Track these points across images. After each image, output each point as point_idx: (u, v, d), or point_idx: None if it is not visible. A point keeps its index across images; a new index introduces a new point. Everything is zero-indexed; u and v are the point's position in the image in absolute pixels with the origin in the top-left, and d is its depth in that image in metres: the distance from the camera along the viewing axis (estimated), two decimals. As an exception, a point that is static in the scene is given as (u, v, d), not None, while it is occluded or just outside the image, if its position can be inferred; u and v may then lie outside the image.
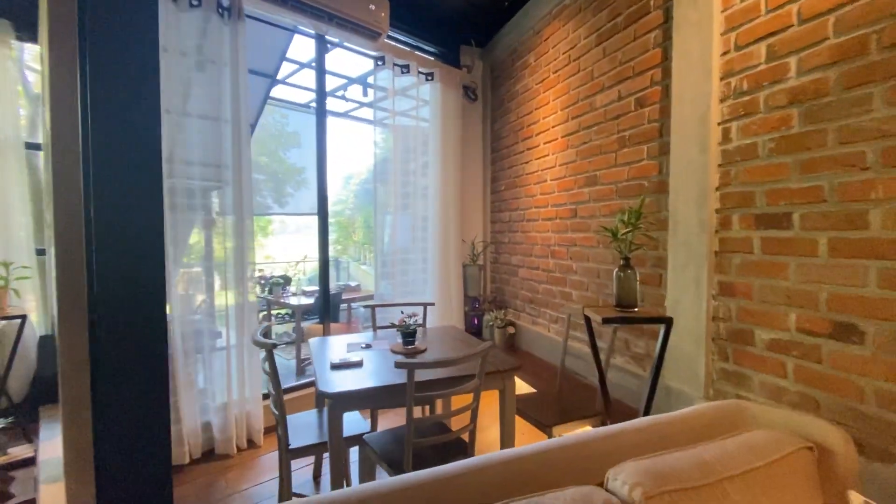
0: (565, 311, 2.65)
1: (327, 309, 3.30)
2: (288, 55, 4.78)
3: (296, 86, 5.31)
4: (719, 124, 1.96)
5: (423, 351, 2.20)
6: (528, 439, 2.62)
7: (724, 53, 1.92)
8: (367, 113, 5.31)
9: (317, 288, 5.54)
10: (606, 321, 1.62)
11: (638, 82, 2.41)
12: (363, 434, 1.93)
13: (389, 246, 3.67)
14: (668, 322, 1.67)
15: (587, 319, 1.83)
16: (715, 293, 1.99)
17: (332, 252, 3.43)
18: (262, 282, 5.53)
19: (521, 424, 2.09)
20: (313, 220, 3.35)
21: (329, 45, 3.28)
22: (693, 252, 2.05)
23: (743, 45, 1.84)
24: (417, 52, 3.70)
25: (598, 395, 1.95)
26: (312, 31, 3.17)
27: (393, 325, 2.18)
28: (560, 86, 3.09)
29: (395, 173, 3.56)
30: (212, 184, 2.64)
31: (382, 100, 3.62)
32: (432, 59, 3.85)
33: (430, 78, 3.69)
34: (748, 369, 1.85)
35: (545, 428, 2.00)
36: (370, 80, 3.75)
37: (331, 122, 3.57)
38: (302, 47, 6.26)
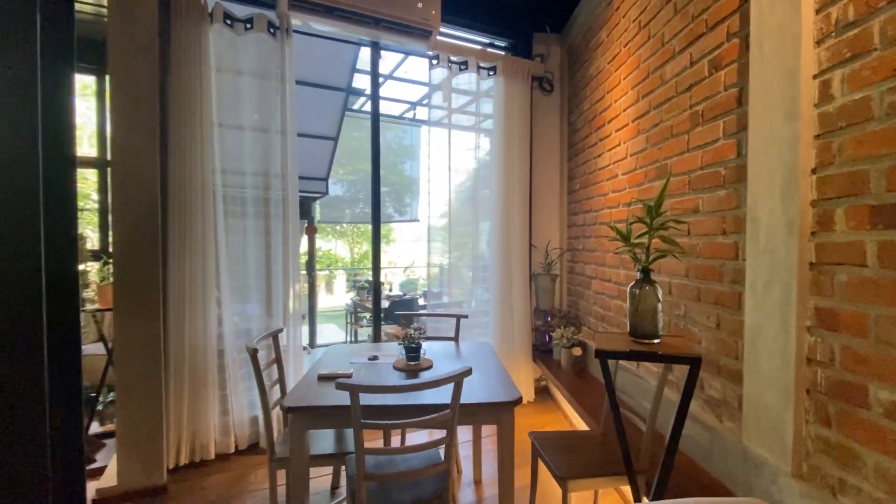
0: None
1: (377, 315, 3.26)
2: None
3: (389, 99, 5.52)
4: (815, 77, 1.34)
5: (428, 367, 1.98)
6: (548, 489, 2.18)
7: (821, -27, 1.31)
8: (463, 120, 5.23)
9: (401, 293, 5.64)
10: (601, 354, 1.20)
11: (712, 39, 1.83)
12: (348, 453, 1.79)
13: (466, 251, 3.50)
14: (694, 363, 1.16)
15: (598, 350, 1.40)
16: (810, 324, 1.36)
17: (442, 259, 3.43)
18: (357, 285, 5.83)
19: (545, 471, 1.73)
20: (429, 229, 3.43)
21: (381, 51, 3.27)
22: (778, 264, 1.44)
23: (848, -46, 1.23)
24: (477, 47, 3.47)
25: (664, 445, 1.49)
26: (367, 39, 3.20)
27: (396, 338, 2.00)
28: (630, 60, 2.56)
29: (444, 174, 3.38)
30: (260, 192, 2.79)
31: (468, 104, 3.49)
32: (494, 51, 3.58)
33: (492, 72, 3.43)
34: (859, 444, 1.20)
35: (560, 480, 1.61)
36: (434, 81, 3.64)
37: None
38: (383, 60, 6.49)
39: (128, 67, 2.23)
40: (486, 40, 3.74)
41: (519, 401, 1.60)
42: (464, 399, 1.58)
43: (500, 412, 1.60)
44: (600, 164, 2.99)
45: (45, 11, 0.85)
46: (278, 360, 2.13)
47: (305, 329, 5.86)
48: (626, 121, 2.61)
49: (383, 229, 12.93)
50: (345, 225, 14.04)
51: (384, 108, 6.40)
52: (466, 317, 2.64)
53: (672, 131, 2.12)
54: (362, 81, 5.08)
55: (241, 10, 2.72)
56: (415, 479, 1.55)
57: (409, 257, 10.91)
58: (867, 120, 1.18)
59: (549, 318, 3.62)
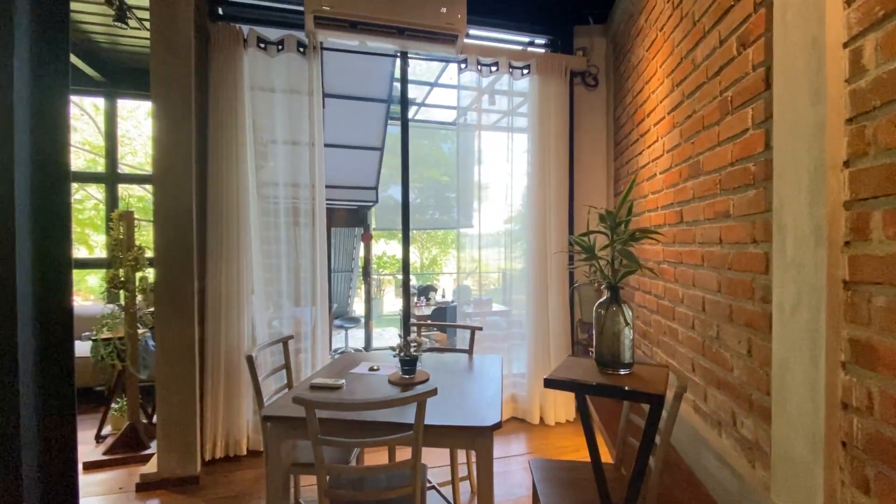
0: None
1: (406, 322, 3.25)
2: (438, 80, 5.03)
3: (437, 106, 5.54)
4: (845, 45, 1.06)
5: (423, 381, 1.91)
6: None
7: (851, -88, 1.03)
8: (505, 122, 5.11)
9: (448, 300, 5.59)
10: (551, 384, 1.04)
11: (739, 11, 1.55)
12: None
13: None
14: (656, 401, 0.96)
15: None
16: (845, 359, 1.07)
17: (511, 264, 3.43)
18: (415, 290, 5.90)
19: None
20: (502, 234, 3.47)
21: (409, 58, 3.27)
22: (806, 281, 1.15)
23: None
24: (509, 46, 3.33)
25: (698, 487, 1.29)
26: (395, 49, 3.22)
27: (393, 349, 1.95)
28: (665, 46, 2.27)
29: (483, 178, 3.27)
30: (290, 201, 2.92)
31: (521, 107, 3.40)
32: (527, 49, 3.40)
33: (525, 71, 3.26)
34: (902, 523, 0.91)
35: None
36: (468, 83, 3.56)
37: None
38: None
39: (167, 94, 2.46)
40: (526, 38, 3.58)
41: (497, 426, 1.46)
42: (439, 420, 1.50)
43: (475, 437, 1.47)
44: (640, 162, 2.70)
45: (37, 18, 0.91)
46: (287, 367, 2.20)
47: (361, 332, 6.07)
48: (662, 114, 2.32)
49: (451, 235, 13.04)
50: (413, 231, 14.36)
51: (438, 115, 6.44)
52: (481, 328, 2.51)
53: (703, 123, 1.84)
54: (411, 91, 5.15)
55: (273, 33, 2.88)
56: (383, 500, 1.49)
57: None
58: (906, 95, 0.90)
59: (591, 332, 3.33)
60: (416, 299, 5.46)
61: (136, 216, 2.94)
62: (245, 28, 2.81)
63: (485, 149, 3.40)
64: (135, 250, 2.77)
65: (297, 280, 2.94)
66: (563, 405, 3.27)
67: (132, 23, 3.55)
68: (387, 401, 1.31)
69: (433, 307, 4.96)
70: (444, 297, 6.06)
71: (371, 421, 1.53)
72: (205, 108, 2.73)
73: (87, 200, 6.71)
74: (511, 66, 3.24)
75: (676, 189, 2.13)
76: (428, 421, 1.49)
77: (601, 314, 1.10)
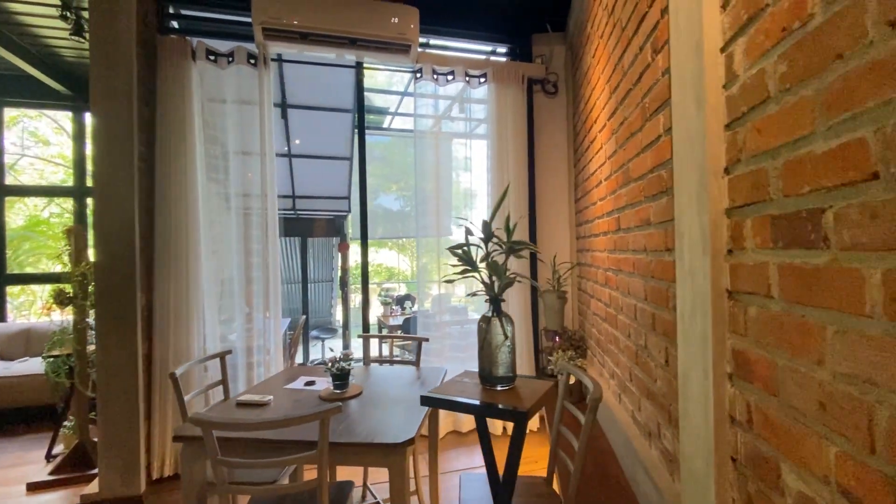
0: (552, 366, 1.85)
1: (367, 328, 3.21)
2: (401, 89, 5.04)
3: (406, 114, 5.54)
4: (722, 51, 1.04)
5: (355, 396, 1.88)
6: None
7: (720, -83, 1.02)
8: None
9: (427, 309, 5.54)
10: (426, 402, 1.01)
11: (651, 18, 1.54)
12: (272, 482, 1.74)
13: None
14: (519, 418, 0.93)
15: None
16: (731, 371, 1.04)
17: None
18: (389, 300, 5.86)
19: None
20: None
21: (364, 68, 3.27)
22: (698, 290, 1.13)
23: None
24: (465, 55, 3.33)
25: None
26: (352, 59, 3.22)
27: (325, 364, 1.92)
28: (604, 53, 2.27)
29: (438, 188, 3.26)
30: (241, 211, 2.90)
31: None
32: (490, 58, 3.41)
33: (482, 80, 3.26)
34: (773, 544, 0.88)
35: (461, 536, 1.41)
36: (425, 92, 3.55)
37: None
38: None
39: (109, 108, 2.45)
40: (488, 48, 3.59)
41: (409, 442, 1.42)
42: (348, 438, 1.46)
43: (388, 454, 1.44)
44: (591, 169, 2.69)
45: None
46: (224, 382, 2.16)
47: (339, 342, 6.02)
48: (604, 121, 2.31)
49: (444, 241, 13.02)
50: (404, 240, 14.35)
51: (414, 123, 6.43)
52: (427, 340, 2.48)
53: (631, 130, 1.82)
54: (382, 101, 5.17)
55: (224, 45, 2.88)
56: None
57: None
58: (765, 101, 0.88)
59: (556, 339, 3.30)
60: (392, 308, 5.42)
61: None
62: (194, 40, 2.80)
63: (445, 158, 3.39)
64: (83, 265, 2.74)
65: (250, 292, 2.91)
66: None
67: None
68: (283, 420, 1.28)
69: (407, 316, 4.92)
70: (423, 306, 6.01)
71: (286, 440, 1.49)
72: (153, 121, 2.72)
73: (63, 215, 6.69)
74: (468, 75, 3.24)
75: (615, 196, 2.11)
76: (339, 438, 1.46)
77: (482, 328, 1.07)
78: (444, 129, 3.45)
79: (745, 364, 0.98)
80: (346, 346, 6.00)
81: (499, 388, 1.06)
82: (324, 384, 2.03)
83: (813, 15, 0.74)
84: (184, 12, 2.98)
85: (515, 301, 3.25)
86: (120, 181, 2.47)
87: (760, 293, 0.91)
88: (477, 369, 1.26)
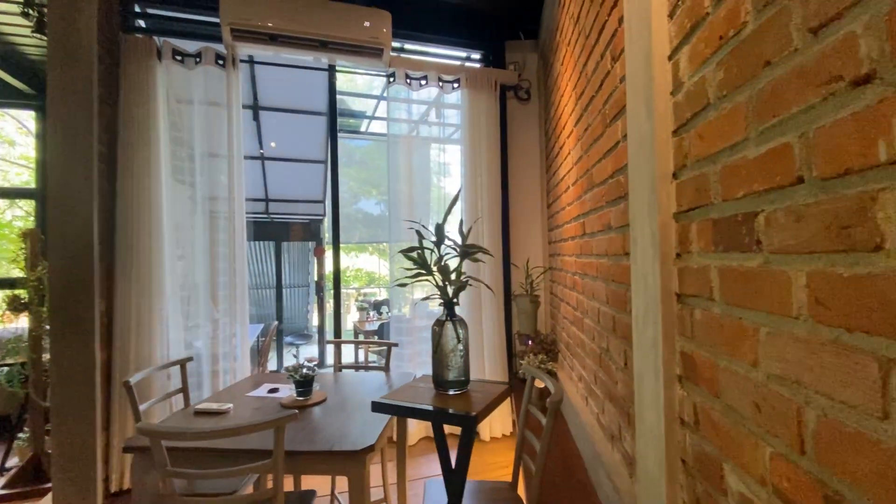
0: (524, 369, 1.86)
1: (339, 333, 3.17)
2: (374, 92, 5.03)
3: (377, 118, 5.51)
4: (669, 58, 1.06)
5: (319, 403, 1.84)
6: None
7: (666, -72, 1.05)
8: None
9: (404, 314, 5.52)
10: (377, 408, 1.00)
11: (610, 26, 1.57)
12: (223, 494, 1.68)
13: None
14: (468, 423, 0.92)
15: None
16: (680, 373, 1.05)
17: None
18: (366, 305, 5.80)
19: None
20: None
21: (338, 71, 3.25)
22: (649, 293, 1.14)
23: None
24: (438, 60, 3.34)
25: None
26: (324, 62, 3.19)
27: (288, 370, 1.88)
28: (570, 60, 2.31)
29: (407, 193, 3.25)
30: (208, 214, 2.83)
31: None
32: (465, 64, 3.43)
33: (456, 85, 3.28)
34: (716, 544, 0.89)
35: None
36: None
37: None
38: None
39: (66, 108, 2.36)
40: (463, 54, 3.61)
41: (369, 449, 1.40)
42: (307, 446, 1.43)
43: (347, 462, 1.41)
44: (560, 174, 2.72)
45: None
46: (184, 391, 2.10)
47: (314, 348, 5.92)
48: (571, 127, 2.34)
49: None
50: (385, 244, 14.27)
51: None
52: (396, 345, 2.46)
53: (594, 136, 1.85)
54: (361, 104, 5.14)
55: (191, 46, 2.82)
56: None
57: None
58: (706, 107, 0.90)
59: (529, 343, 3.31)
60: (369, 314, 5.37)
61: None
62: (160, 40, 2.74)
63: (422, 162, 3.38)
64: (39, 270, 2.63)
65: (216, 297, 2.84)
66: (498, 419, 3.22)
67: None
68: (234, 429, 1.24)
69: (383, 321, 4.88)
70: (400, 311, 5.97)
71: (243, 449, 1.45)
72: (115, 121, 2.64)
73: (28, 217, 6.43)
74: (441, 80, 3.25)
75: (580, 201, 2.13)
76: (298, 446, 1.43)
77: (436, 332, 1.06)
78: (423, 133, 3.44)
79: (692, 366, 0.99)
80: (321, 352, 5.91)
81: (451, 393, 1.05)
82: (287, 391, 1.99)
83: (746, 23, 0.75)
84: (150, 11, 2.91)
85: (489, 305, 3.25)
86: (77, 182, 2.38)
87: (704, 296, 0.92)
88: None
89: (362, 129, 5.67)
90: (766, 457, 0.73)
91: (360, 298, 6.00)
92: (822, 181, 0.59)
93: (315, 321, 7.80)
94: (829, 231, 0.58)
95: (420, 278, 1.11)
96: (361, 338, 4.93)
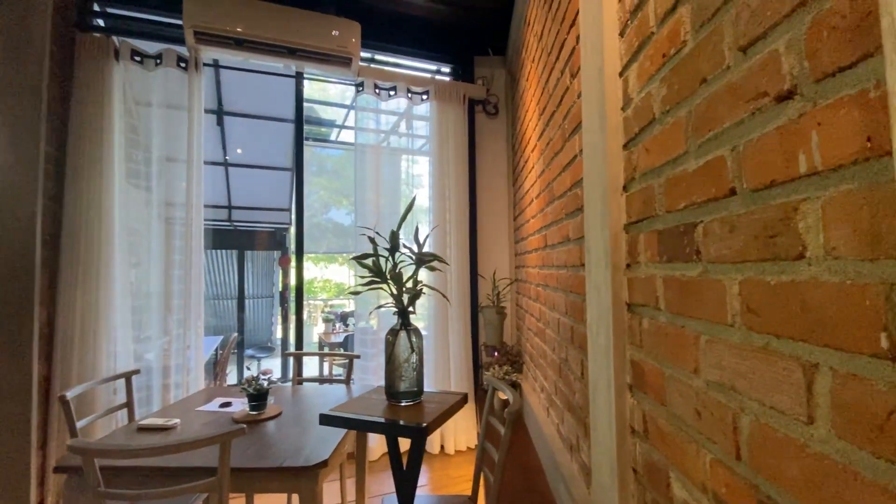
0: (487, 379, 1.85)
1: (300, 345, 3.08)
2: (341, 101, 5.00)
3: (344, 126, 5.49)
4: (620, 75, 1.10)
5: (274, 417, 1.77)
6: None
7: (617, -49, 1.09)
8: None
9: (365, 326, 5.44)
10: (325, 421, 0.96)
11: (569, 42, 1.62)
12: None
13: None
14: (418, 434, 0.90)
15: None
16: (630, 381, 1.07)
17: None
18: (333, 316, 5.68)
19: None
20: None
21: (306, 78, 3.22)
22: (602, 303, 1.16)
23: (630, -75, 1.01)
24: (407, 72, 3.36)
25: None
26: (292, 68, 3.16)
27: (241, 383, 1.80)
28: (534, 76, 2.36)
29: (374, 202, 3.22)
30: (164, 221, 2.72)
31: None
32: (435, 77, 3.46)
33: (425, 97, 3.30)
34: (663, 553, 0.89)
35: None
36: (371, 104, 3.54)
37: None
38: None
39: (12, 105, 2.24)
40: (433, 66, 3.64)
41: (321, 465, 1.35)
42: (257, 462, 1.37)
43: (298, 479, 1.35)
44: (525, 187, 2.76)
45: None
46: (129, 406, 1.98)
47: (277, 361, 5.74)
48: (534, 141, 2.39)
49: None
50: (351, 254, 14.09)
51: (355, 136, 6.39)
52: (358, 357, 2.41)
53: (554, 150, 1.89)
54: (332, 113, 5.10)
55: (152, 47, 2.73)
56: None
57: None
58: (651, 123, 0.93)
59: (495, 355, 3.31)
60: (335, 325, 5.25)
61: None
62: (118, 40, 2.64)
63: (392, 173, 3.37)
64: (-28, 276, 2.44)
65: (169, 307, 2.71)
66: (464, 432, 3.19)
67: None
68: (175, 445, 1.17)
69: (349, 333, 4.78)
70: (368, 322, 5.87)
71: (189, 467, 1.37)
72: (66, 121, 2.52)
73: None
74: (410, 91, 3.26)
75: (543, 214, 2.17)
76: (247, 463, 1.37)
77: (389, 341, 1.04)
78: (392, 144, 3.43)
79: (641, 375, 1.00)
80: (283, 365, 5.73)
81: (403, 404, 1.03)
82: (240, 405, 1.91)
83: (686, 42, 0.79)
84: (110, 10, 2.81)
85: (456, 317, 3.24)
86: (20, 183, 2.24)
87: (651, 305, 0.94)
88: (439, 387, 1.22)
89: (332, 137, 5.63)
90: (707, 463, 0.74)
91: (327, 310, 5.86)
92: (752, 192, 0.62)
93: (279, 333, 7.58)
94: (758, 240, 0.60)
95: (374, 286, 1.08)
96: (326, 349, 4.80)
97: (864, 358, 0.44)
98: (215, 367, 3.51)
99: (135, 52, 2.68)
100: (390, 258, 1.06)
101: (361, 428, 0.98)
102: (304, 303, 3.21)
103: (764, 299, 0.59)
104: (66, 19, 2.54)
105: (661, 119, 0.88)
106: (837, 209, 0.47)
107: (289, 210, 4.98)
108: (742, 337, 0.64)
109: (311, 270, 12.61)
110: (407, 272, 1.07)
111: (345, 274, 14.93)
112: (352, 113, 5.09)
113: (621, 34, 1.09)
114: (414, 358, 1.03)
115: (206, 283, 2.91)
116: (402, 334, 1.03)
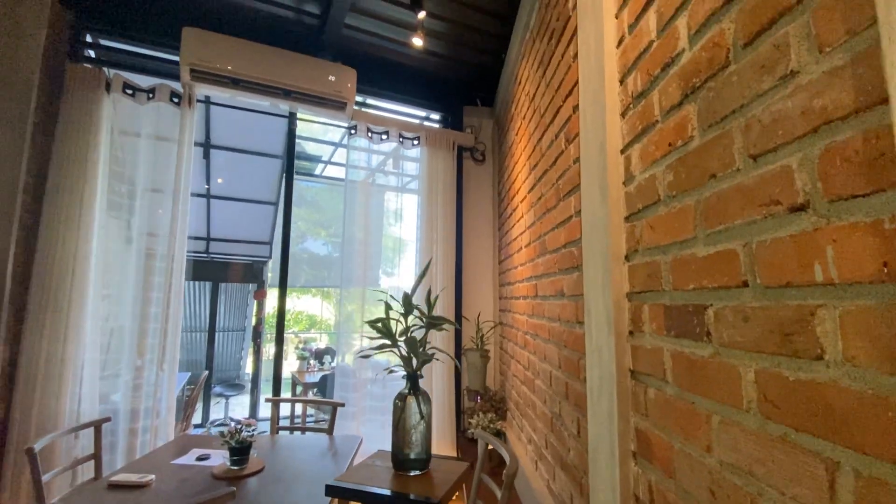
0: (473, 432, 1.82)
1: (278, 388, 2.97)
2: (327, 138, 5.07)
3: (335, 163, 5.54)
4: (622, 152, 1.17)
5: (256, 472, 1.68)
6: None
7: (620, 42, 1.19)
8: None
9: (347, 365, 5.30)
10: (332, 492, 0.93)
11: (564, 111, 1.72)
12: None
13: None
14: None
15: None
16: (634, 448, 1.08)
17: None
18: (307, 353, 5.50)
19: None
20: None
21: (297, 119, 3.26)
22: (604, 367, 1.19)
23: (634, 22, 1.11)
24: (399, 118, 3.46)
25: None
26: (287, 109, 3.19)
27: (223, 435, 1.71)
28: (524, 133, 2.47)
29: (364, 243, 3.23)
30: (143, 254, 2.63)
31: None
32: (424, 123, 3.57)
33: (416, 142, 3.38)
34: None
35: None
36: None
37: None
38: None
39: (-6, 133, 2.17)
40: (422, 113, 3.76)
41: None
42: (242, 526, 1.29)
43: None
44: (513, 235, 2.83)
45: None
46: (96, 457, 1.85)
47: (246, 399, 5.48)
48: (524, 193, 2.47)
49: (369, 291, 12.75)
50: (329, 287, 13.86)
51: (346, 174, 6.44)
52: (343, 405, 2.33)
53: (547, 206, 1.96)
54: (314, 147, 5.14)
55: (144, 80, 2.73)
56: None
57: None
58: (656, 203, 0.99)
59: (478, 400, 3.27)
60: (309, 363, 5.09)
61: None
62: (111, 72, 2.62)
63: (376, 209, 3.40)
64: (-74, 310, 2.28)
65: (143, 344, 2.58)
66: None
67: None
68: (162, 511, 1.10)
69: (326, 372, 4.63)
70: (344, 360, 5.72)
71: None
72: (48, 151, 2.45)
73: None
74: (402, 136, 3.34)
75: (533, 264, 2.22)
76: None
77: (398, 406, 1.03)
78: (378, 181, 3.48)
79: (646, 443, 1.02)
80: (252, 405, 5.47)
81: (411, 474, 1.00)
82: (219, 458, 1.81)
83: (692, 137, 0.86)
84: (102, 42, 2.80)
85: (439, 357, 3.20)
86: (-6, 213, 2.15)
87: (657, 376, 0.97)
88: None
89: (316, 171, 5.65)
90: (721, 544, 0.75)
91: (301, 346, 5.68)
92: (766, 288, 0.66)
93: (248, 368, 7.28)
94: (774, 335, 0.64)
95: (385, 349, 1.08)
96: (300, 389, 4.63)
97: (888, 465, 0.48)
98: (185, 409, 3.32)
99: (127, 85, 2.67)
100: (402, 321, 1.06)
101: (371, 501, 0.95)
102: (280, 338, 3.11)
103: (782, 392, 0.63)
104: (56, 49, 2.51)
105: (666, 201, 0.94)
106: (855, 321, 0.52)
107: (269, 243, 4.90)
108: (758, 424, 0.68)
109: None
110: (414, 335, 1.07)
111: (317, 305, 14.60)
112: (338, 149, 5.16)
113: (623, 115, 1.17)
114: (423, 425, 1.02)
115: (167, 315, 2.78)
116: (412, 399, 1.02)
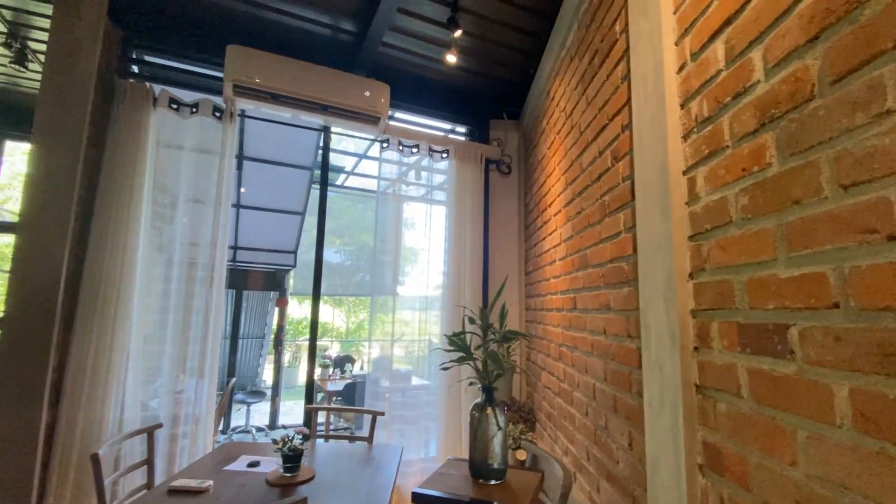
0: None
1: (311, 395, 3.01)
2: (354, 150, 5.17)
3: (359, 174, 5.64)
4: (684, 173, 1.22)
5: (307, 480, 1.72)
6: None
7: (681, 69, 1.24)
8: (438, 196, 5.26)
9: (360, 373, 5.34)
10: (419, 499, 0.97)
11: (611, 130, 1.77)
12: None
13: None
14: None
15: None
16: (702, 462, 1.12)
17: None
18: (327, 361, 5.55)
19: None
20: (420, 300, 3.52)
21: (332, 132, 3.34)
22: (666, 381, 1.22)
23: (698, 50, 1.16)
24: (429, 131, 3.53)
25: None
26: (321, 123, 3.28)
27: (275, 443, 1.76)
28: (560, 148, 2.53)
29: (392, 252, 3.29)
30: (188, 263, 2.71)
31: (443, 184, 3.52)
32: (446, 135, 3.64)
33: (444, 155, 3.45)
34: None
35: None
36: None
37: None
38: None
39: (52, 146, 2.26)
40: (448, 126, 3.84)
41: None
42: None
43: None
44: (544, 247, 2.87)
45: None
46: (149, 463, 1.90)
47: (266, 406, 5.53)
48: (559, 206, 2.52)
49: (380, 299, 12.82)
50: (341, 293, 13.96)
51: (371, 183, 6.54)
52: (383, 414, 2.38)
53: (589, 220, 2.01)
54: (339, 160, 5.24)
55: (187, 95, 2.82)
56: None
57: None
58: (727, 224, 1.03)
59: (506, 411, 3.29)
60: (331, 371, 5.14)
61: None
62: (157, 88, 2.72)
63: (399, 218, 3.46)
64: (-17, 315, 2.36)
65: (183, 352, 2.64)
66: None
67: (36, 66, 3.35)
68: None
69: (348, 381, 4.67)
70: (361, 369, 5.77)
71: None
72: (99, 163, 2.54)
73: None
74: (431, 150, 3.41)
75: (571, 277, 2.26)
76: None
77: (475, 417, 1.07)
78: (401, 191, 3.56)
79: (716, 457, 1.05)
80: (273, 411, 5.52)
81: (492, 483, 1.04)
82: (270, 465, 1.85)
83: (770, 164, 0.90)
84: (147, 59, 2.91)
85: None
86: (51, 223, 2.23)
87: (730, 391, 1.01)
88: (449, 452, 1.22)
89: (338, 182, 5.74)
90: (809, 555, 0.79)
91: (322, 355, 5.73)
92: (860, 311, 0.70)
93: (265, 376, 7.33)
94: (871, 356, 0.68)
95: (463, 362, 1.12)
96: (322, 397, 4.67)
97: None
98: (216, 415, 3.37)
99: (172, 100, 2.76)
100: (479, 335, 1.11)
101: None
102: (305, 343, 3.16)
103: (882, 409, 0.66)
104: (108, 65, 2.62)
105: (739, 224, 0.99)
106: (967, 345, 0.56)
107: (294, 252, 4.98)
108: (853, 439, 0.71)
109: (298, 310, 12.37)
110: (494, 349, 1.11)
111: (329, 313, 14.68)
112: (363, 161, 5.26)
113: (685, 138, 1.22)
114: (500, 435, 1.06)
115: (207, 323, 2.85)
116: (489, 411, 1.06)
